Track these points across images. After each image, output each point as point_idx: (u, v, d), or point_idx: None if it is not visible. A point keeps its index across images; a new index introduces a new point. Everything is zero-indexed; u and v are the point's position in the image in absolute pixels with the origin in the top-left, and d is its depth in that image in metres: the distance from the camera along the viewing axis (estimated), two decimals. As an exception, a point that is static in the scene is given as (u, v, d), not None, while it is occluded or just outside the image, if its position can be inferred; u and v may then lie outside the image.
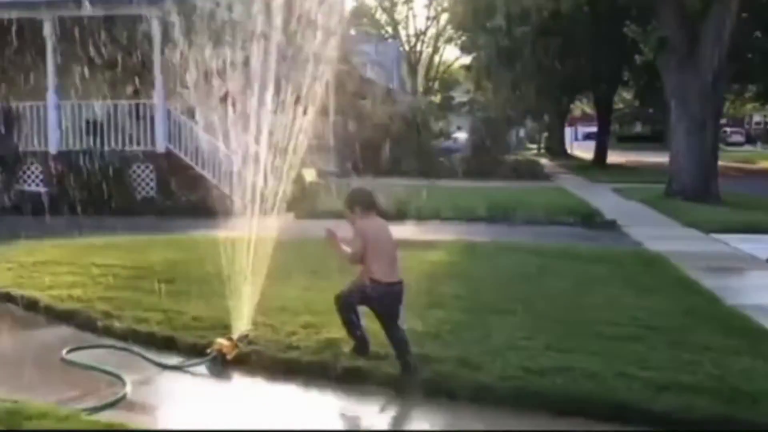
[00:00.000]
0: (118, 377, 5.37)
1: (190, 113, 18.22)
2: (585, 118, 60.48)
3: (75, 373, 5.62)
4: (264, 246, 6.28)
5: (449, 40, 55.22)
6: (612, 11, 28.85)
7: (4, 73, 18.23)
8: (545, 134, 53.93)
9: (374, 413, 5.09)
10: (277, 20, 7.05)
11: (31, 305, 7.11)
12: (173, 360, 5.84)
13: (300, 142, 7.22)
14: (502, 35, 32.11)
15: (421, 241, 10.99)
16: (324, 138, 31.46)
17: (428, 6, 60.12)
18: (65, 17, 16.69)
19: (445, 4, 54.49)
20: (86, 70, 19.04)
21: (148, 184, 16.97)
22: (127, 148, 16.99)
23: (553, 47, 31.04)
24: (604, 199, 19.65)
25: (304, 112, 7.09)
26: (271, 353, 5.76)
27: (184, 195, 16.87)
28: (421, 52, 59.14)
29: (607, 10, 28.99)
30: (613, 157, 41.29)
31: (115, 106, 17.42)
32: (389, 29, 59.59)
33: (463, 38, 45.21)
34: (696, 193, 18.76)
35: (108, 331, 6.39)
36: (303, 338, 5.99)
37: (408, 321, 5.70)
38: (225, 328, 6.13)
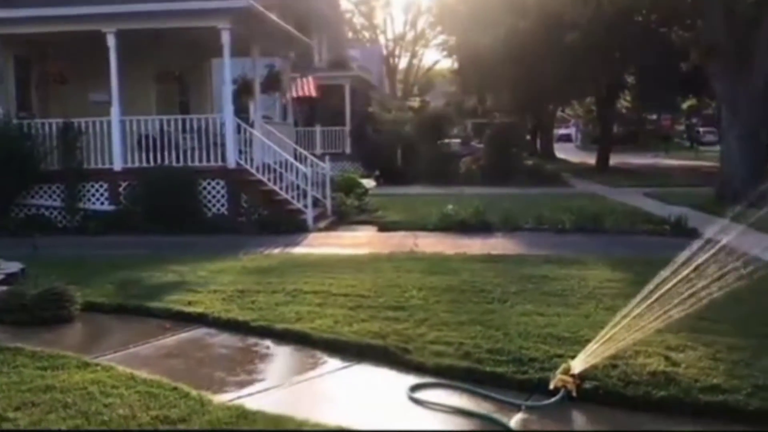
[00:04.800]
0: (495, 420, 5.17)
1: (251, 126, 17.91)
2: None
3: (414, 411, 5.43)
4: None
5: (428, 44, 55.40)
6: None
7: (65, 87, 17.71)
8: (527, 137, 54.20)
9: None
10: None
11: (302, 340, 6.84)
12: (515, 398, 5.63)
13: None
14: (506, 36, 31.92)
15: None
16: (342, 147, 31.31)
17: (406, 10, 60.20)
18: (128, 30, 16.18)
19: (423, 8, 54.61)
20: (150, 84, 18.61)
21: (219, 201, 16.57)
22: (196, 163, 16.56)
23: (560, 50, 30.95)
24: (654, 207, 19.09)
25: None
26: (613, 388, 5.61)
27: (256, 211, 16.56)
28: (399, 56, 59.26)
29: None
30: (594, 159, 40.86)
31: (183, 121, 16.97)
32: (366, 33, 59.51)
33: (450, 42, 45.33)
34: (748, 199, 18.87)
35: (408, 366, 6.17)
36: (628, 369, 5.83)
37: None
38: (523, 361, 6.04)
